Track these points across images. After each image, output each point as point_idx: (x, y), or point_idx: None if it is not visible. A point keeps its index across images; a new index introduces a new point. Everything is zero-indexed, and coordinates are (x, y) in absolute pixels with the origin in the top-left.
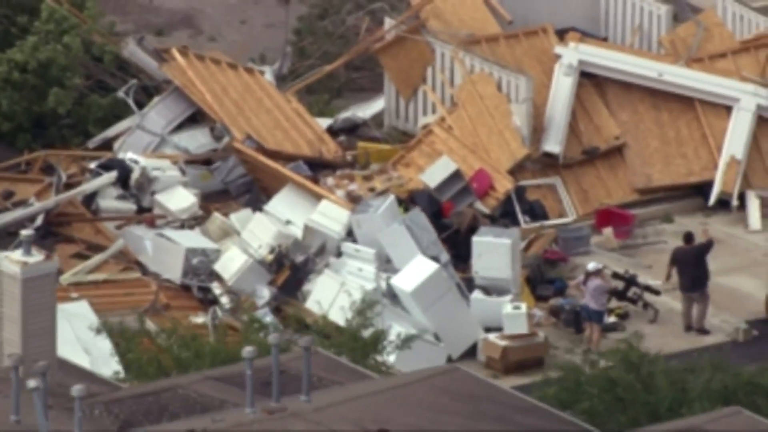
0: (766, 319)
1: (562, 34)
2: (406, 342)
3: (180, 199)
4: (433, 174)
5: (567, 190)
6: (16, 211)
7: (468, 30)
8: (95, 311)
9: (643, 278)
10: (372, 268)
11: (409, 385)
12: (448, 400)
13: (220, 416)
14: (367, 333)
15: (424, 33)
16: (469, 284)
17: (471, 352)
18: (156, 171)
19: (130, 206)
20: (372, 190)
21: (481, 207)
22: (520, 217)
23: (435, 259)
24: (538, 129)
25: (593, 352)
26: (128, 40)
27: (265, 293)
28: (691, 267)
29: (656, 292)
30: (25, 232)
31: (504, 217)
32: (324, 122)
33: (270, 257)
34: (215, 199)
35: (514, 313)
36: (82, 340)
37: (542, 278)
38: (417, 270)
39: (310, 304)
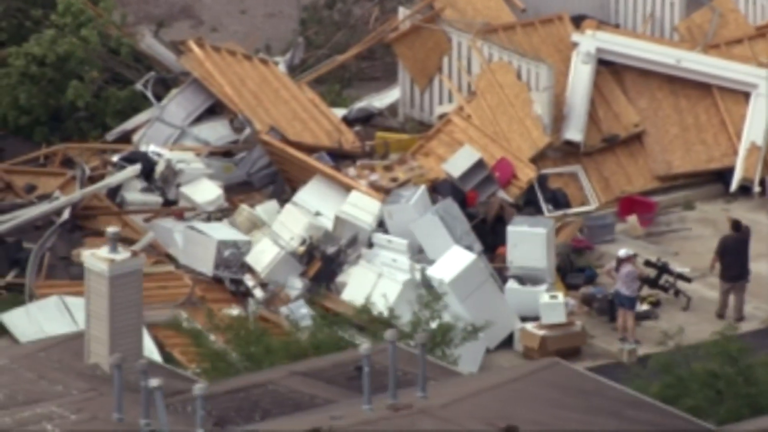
0: None
1: (572, 22)
2: (473, 333)
3: (206, 191)
4: (456, 163)
5: (588, 177)
6: (41, 204)
7: (483, 18)
8: None
9: (673, 266)
10: (406, 259)
11: (520, 380)
12: (560, 395)
13: (339, 414)
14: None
15: (440, 22)
16: (498, 273)
17: (507, 342)
18: (181, 163)
19: (156, 199)
20: (394, 180)
21: (504, 196)
22: (543, 205)
23: (468, 248)
24: (557, 117)
25: (630, 341)
26: (145, 32)
27: (298, 285)
28: (742, 255)
29: (688, 280)
30: (111, 230)
31: (527, 205)
32: (338, 112)
33: (302, 249)
34: (238, 191)
35: (552, 303)
36: None
37: (572, 267)
38: (454, 260)
39: (346, 296)
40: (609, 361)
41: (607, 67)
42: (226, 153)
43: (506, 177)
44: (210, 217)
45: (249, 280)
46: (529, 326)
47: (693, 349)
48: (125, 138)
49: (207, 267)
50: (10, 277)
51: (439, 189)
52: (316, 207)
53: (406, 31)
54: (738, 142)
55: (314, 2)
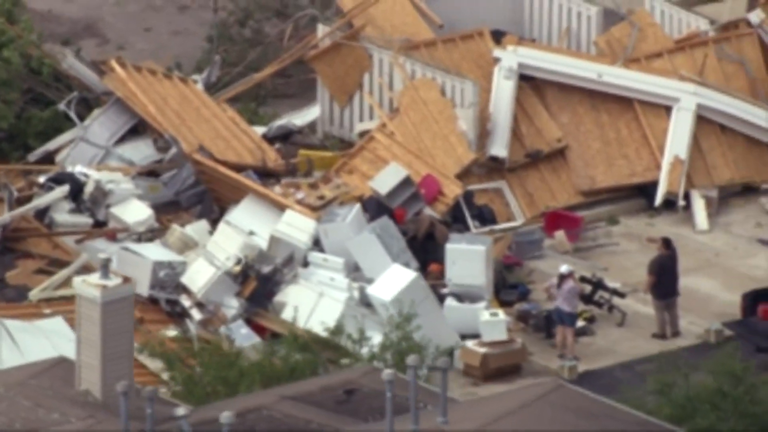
0: (740, 321)
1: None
2: (445, 353)
3: (136, 211)
4: (383, 180)
5: (513, 193)
6: None
7: (401, 35)
8: (70, 327)
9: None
10: (343, 278)
11: (534, 404)
12: (574, 418)
13: None
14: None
15: (361, 39)
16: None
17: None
18: (110, 184)
19: (86, 220)
20: (321, 198)
21: (431, 212)
22: (470, 222)
23: (405, 266)
24: (481, 133)
25: (568, 357)
26: (66, 52)
27: (234, 304)
28: (675, 273)
29: (622, 295)
30: (102, 256)
31: (454, 222)
32: (258, 130)
33: (237, 268)
34: (165, 211)
35: (493, 320)
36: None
37: (504, 283)
38: (394, 279)
39: (287, 315)
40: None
41: (527, 82)
42: (150, 173)
43: (432, 194)
44: (141, 238)
45: (185, 301)
46: (470, 344)
47: (691, 368)
48: (48, 159)
49: (142, 288)
50: None
51: (365, 206)
52: (249, 226)
53: (326, 48)
54: (660, 156)
55: (223, 20)
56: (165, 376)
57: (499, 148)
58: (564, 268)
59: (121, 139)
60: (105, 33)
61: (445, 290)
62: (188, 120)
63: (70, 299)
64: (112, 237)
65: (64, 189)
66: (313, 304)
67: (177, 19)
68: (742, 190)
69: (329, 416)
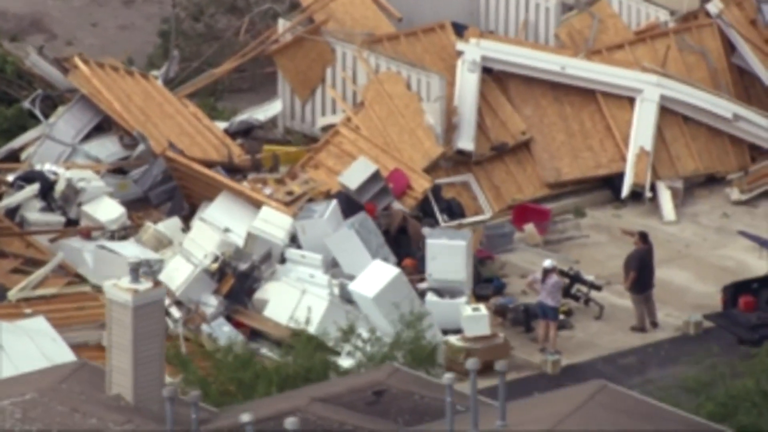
0: (721, 313)
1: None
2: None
3: (108, 209)
4: (352, 175)
5: (480, 186)
6: None
7: (362, 28)
8: (52, 326)
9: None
10: (324, 274)
11: (586, 406)
12: (629, 420)
13: None
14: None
15: (324, 33)
16: None
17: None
18: (81, 182)
19: (58, 218)
20: (290, 193)
21: (399, 207)
22: (439, 216)
23: (384, 261)
24: (447, 127)
25: (550, 351)
26: (29, 49)
27: (213, 302)
28: (652, 266)
29: (598, 288)
30: (133, 260)
31: (425, 216)
32: (219, 126)
33: (214, 266)
34: (133, 208)
35: (475, 315)
36: (48, 357)
37: (479, 278)
38: (376, 275)
39: (269, 313)
40: (533, 373)
41: (489, 74)
42: (117, 170)
43: (401, 188)
44: (114, 236)
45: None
46: (453, 339)
47: (727, 367)
48: (12, 157)
49: None
50: None
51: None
52: (224, 223)
53: (288, 43)
54: (625, 148)
55: (174, 15)
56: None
57: (466, 142)
58: (547, 263)
59: (87, 137)
60: (52, 28)
61: (422, 285)
62: (153, 116)
63: (49, 298)
64: (87, 235)
65: (34, 187)
66: (295, 301)
67: (123, 13)
68: (705, 180)
69: (361, 418)
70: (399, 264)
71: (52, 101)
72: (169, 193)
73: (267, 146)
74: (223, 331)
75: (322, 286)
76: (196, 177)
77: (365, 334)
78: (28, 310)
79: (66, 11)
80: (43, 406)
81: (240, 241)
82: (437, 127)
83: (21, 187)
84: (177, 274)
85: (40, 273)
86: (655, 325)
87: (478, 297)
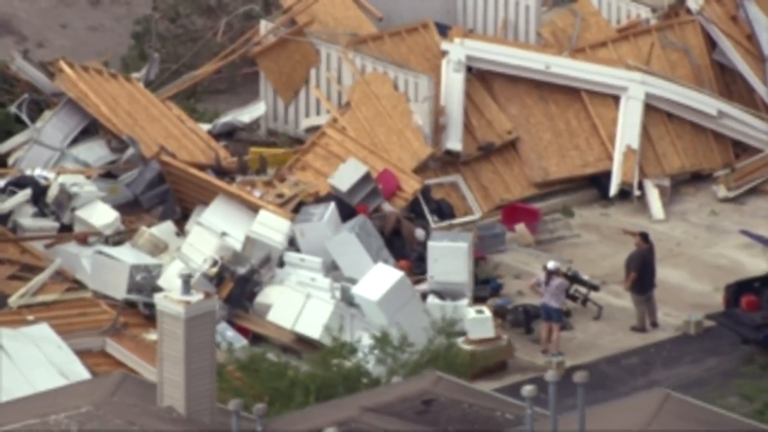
0: (724, 312)
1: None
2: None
3: (102, 214)
4: (343, 177)
5: (468, 187)
6: None
7: (344, 29)
8: (56, 333)
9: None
10: (325, 278)
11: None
12: (696, 426)
13: None
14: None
15: (308, 34)
16: None
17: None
18: (74, 187)
19: (53, 224)
20: (281, 196)
21: (389, 208)
22: (429, 216)
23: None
24: (435, 127)
25: (553, 353)
26: (14, 54)
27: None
28: (653, 266)
29: (596, 288)
30: (184, 271)
31: (416, 217)
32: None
33: (213, 270)
34: (124, 212)
35: (479, 317)
36: (55, 364)
37: (475, 279)
38: (379, 278)
39: (273, 317)
40: (538, 374)
41: (473, 74)
42: (105, 174)
43: (390, 189)
44: (108, 241)
45: None
46: (458, 341)
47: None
48: None
49: (119, 292)
50: None
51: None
52: (221, 227)
53: (272, 44)
54: (611, 146)
55: (147, 16)
56: None
57: (454, 142)
58: (551, 264)
59: (74, 141)
60: (21, 30)
61: (421, 287)
62: (140, 120)
63: (50, 305)
64: (83, 241)
65: (26, 193)
66: (300, 305)
67: (91, 14)
68: (691, 177)
69: (413, 427)
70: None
71: (37, 105)
72: (160, 196)
73: (253, 148)
74: (227, 336)
75: (324, 289)
76: (190, 181)
77: (364, 339)
78: (30, 317)
79: (33, 12)
80: (99, 420)
81: (237, 245)
82: (426, 128)
83: (12, 193)
84: (176, 279)
85: (39, 279)
86: (655, 325)
87: (476, 298)
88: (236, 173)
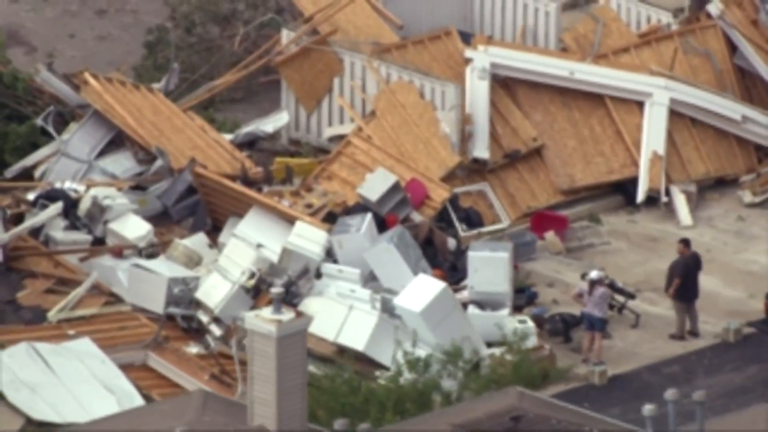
0: (766, 320)
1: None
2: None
3: (135, 227)
4: (372, 186)
5: (495, 194)
6: None
7: (365, 37)
8: (98, 347)
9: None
10: (365, 289)
11: None
12: None
13: None
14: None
15: (331, 43)
16: None
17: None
18: (107, 200)
19: (86, 237)
20: (310, 206)
21: (418, 217)
22: (458, 225)
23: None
24: (462, 135)
25: (594, 362)
26: (39, 66)
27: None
28: (697, 274)
29: (632, 296)
30: (276, 290)
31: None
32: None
33: (251, 282)
34: (153, 224)
35: (522, 328)
36: (99, 378)
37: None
38: (421, 289)
39: (315, 329)
40: (580, 384)
41: (496, 81)
42: (136, 186)
43: (419, 198)
44: (141, 253)
45: (203, 316)
46: (499, 352)
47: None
48: (26, 174)
49: (157, 305)
50: None
51: (352, 213)
52: (257, 239)
53: (295, 53)
54: (636, 152)
55: (159, 26)
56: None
57: (481, 150)
58: (594, 274)
59: (101, 153)
60: (30, 41)
61: (460, 297)
62: (165, 131)
63: (89, 319)
64: (119, 254)
65: (58, 206)
66: (342, 317)
67: (98, 23)
68: (714, 183)
69: None
70: None
71: (62, 118)
72: (190, 208)
73: (279, 158)
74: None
75: (364, 300)
76: (224, 192)
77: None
78: (71, 332)
79: (40, 22)
80: None
81: (273, 257)
82: (453, 136)
83: (44, 206)
84: (215, 291)
85: (76, 293)
86: (695, 334)
87: (513, 308)
88: (262, 183)
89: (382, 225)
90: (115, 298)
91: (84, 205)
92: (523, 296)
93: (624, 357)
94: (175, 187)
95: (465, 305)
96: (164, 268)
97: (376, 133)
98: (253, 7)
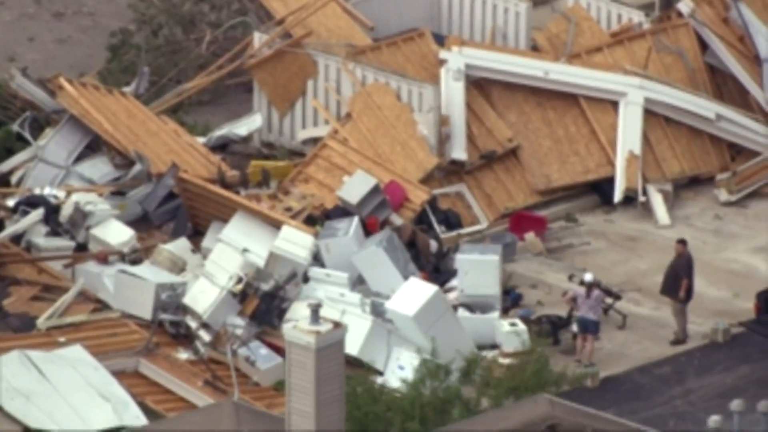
0: (757, 319)
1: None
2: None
3: (117, 232)
4: (352, 189)
5: (473, 196)
6: None
7: (337, 39)
8: (90, 354)
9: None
10: (355, 293)
11: None
12: None
13: None
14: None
15: (305, 46)
16: None
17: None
18: (89, 205)
19: (69, 243)
20: (289, 209)
21: (398, 220)
22: (437, 227)
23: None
24: (439, 137)
25: (585, 363)
26: (14, 71)
27: (241, 325)
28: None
29: (618, 297)
30: (314, 302)
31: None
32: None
33: (238, 287)
34: (134, 229)
35: (514, 330)
36: (93, 385)
37: None
38: (413, 293)
39: None
40: (572, 386)
41: (470, 82)
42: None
43: (398, 200)
44: (125, 259)
45: (191, 322)
46: (492, 355)
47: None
48: (2, 180)
49: (145, 311)
50: None
51: (331, 216)
52: (242, 244)
53: (268, 56)
54: (611, 151)
55: (122, 29)
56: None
57: (459, 151)
58: (588, 277)
59: (77, 158)
60: None
61: (450, 298)
62: (141, 135)
63: (78, 326)
64: (104, 260)
65: (39, 212)
66: None
67: (56, 26)
68: (689, 182)
69: None
70: None
71: (37, 123)
72: (171, 213)
73: (254, 161)
74: (261, 354)
75: (354, 304)
76: (207, 197)
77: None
78: (62, 339)
79: None
80: None
81: (260, 262)
82: (431, 138)
83: (25, 212)
84: (203, 296)
85: (64, 300)
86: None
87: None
88: (239, 187)
89: (362, 228)
90: (102, 305)
91: (66, 211)
92: (507, 298)
93: (614, 358)
94: (157, 192)
95: (454, 308)
96: (151, 273)
97: (353, 135)
98: (218, 9)
